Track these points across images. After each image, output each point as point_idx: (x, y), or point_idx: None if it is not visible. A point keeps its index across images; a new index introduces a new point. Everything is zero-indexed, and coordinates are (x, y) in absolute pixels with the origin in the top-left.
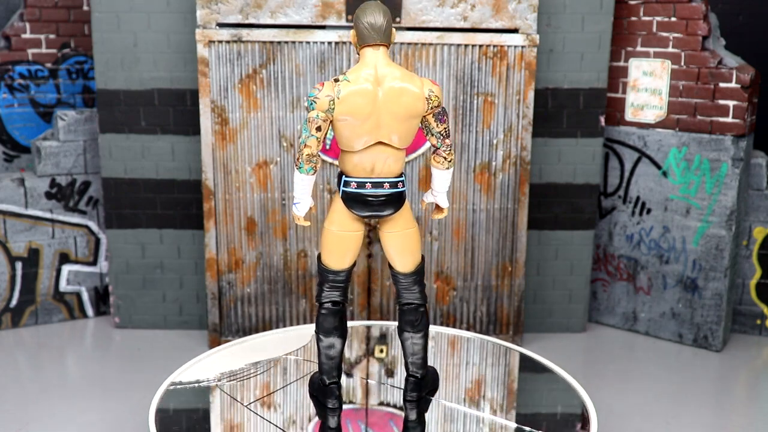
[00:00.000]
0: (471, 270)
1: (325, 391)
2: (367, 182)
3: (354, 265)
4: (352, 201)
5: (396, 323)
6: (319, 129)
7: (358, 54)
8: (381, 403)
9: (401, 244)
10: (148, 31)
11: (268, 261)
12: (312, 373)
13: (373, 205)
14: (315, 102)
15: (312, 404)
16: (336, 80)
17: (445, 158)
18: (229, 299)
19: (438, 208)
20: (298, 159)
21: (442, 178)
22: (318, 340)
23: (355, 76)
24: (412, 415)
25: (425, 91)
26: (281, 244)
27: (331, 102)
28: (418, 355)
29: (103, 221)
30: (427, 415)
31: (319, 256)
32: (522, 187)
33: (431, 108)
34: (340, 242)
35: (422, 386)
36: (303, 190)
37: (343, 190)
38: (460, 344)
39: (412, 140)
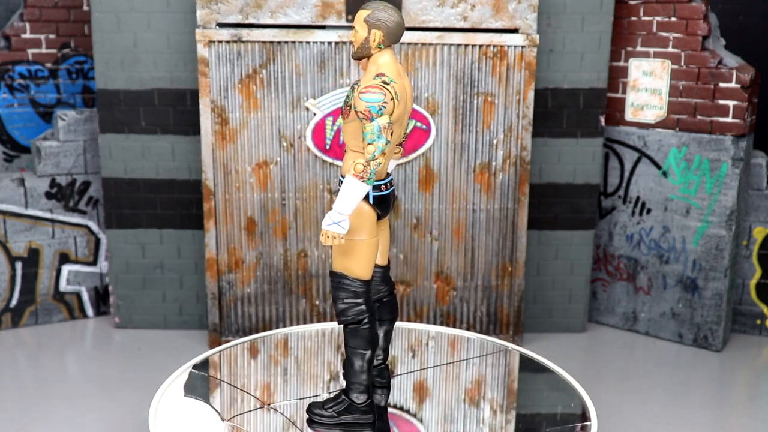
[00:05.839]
0: (471, 270)
1: (363, 409)
2: (387, 183)
3: None
4: (382, 204)
5: None
6: (392, 134)
7: (366, 56)
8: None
9: (387, 239)
10: (148, 31)
11: (268, 261)
12: (311, 403)
13: (390, 203)
14: (385, 107)
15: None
16: (385, 83)
17: (402, 149)
18: (229, 299)
19: None
20: (365, 170)
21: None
22: (361, 357)
23: (395, 77)
24: (386, 401)
25: None
26: (281, 244)
27: (394, 105)
28: (389, 341)
29: (103, 221)
30: (426, 415)
31: (344, 274)
32: (522, 187)
33: None
34: (376, 249)
35: None
36: (355, 205)
37: (374, 195)
38: (460, 344)
39: None
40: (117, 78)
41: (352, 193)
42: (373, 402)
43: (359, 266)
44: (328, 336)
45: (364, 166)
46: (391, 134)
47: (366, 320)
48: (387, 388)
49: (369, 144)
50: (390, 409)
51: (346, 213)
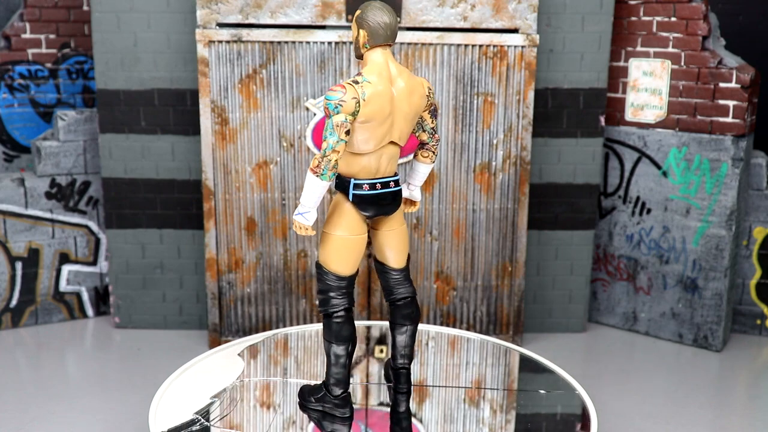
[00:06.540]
0: (471, 270)
1: (336, 402)
2: (377, 183)
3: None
4: (366, 203)
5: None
6: (348, 133)
7: (362, 55)
8: (381, 404)
9: (398, 241)
10: (148, 31)
11: (268, 261)
12: (302, 386)
13: (383, 205)
14: (341, 105)
15: (309, 416)
16: (356, 82)
17: (433, 153)
18: (229, 299)
19: (411, 202)
20: (319, 166)
21: (425, 173)
22: (331, 350)
23: (374, 77)
24: (404, 407)
25: (425, 88)
26: (281, 244)
27: (357, 104)
28: (410, 347)
29: (103, 221)
30: (427, 415)
31: (321, 265)
32: (522, 187)
33: (428, 104)
34: (354, 247)
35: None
36: (317, 198)
37: (354, 194)
38: (460, 344)
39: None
40: (117, 78)
41: (310, 187)
42: (349, 398)
43: (335, 261)
44: None
45: (318, 162)
46: (347, 133)
47: (338, 315)
48: (405, 393)
49: (323, 140)
50: (390, 409)
51: (308, 206)
